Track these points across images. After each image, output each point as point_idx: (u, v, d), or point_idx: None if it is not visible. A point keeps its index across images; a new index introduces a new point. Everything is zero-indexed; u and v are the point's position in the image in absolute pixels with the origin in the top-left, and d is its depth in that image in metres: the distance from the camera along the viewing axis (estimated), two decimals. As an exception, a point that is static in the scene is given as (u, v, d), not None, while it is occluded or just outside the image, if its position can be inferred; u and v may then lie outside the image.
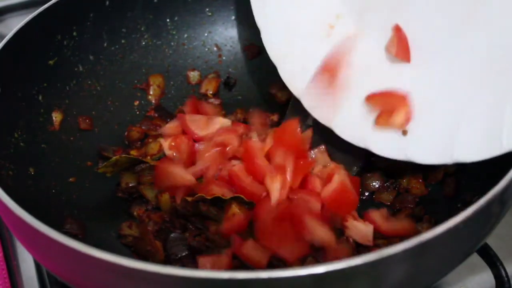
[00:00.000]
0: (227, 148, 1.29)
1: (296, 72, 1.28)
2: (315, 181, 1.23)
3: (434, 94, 1.11)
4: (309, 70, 1.26)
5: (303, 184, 1.23)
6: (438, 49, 1.11)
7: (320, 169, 1.27)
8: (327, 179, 1.23)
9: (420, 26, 1.13)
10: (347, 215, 1.18)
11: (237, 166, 1.24)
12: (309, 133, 1.29)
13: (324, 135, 1.30)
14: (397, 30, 1.13)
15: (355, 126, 1.19)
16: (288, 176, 1.19)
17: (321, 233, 1.13)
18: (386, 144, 1.16)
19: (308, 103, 1.25)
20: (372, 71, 1.18)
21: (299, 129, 1.28)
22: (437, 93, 1.11)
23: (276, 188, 1.18)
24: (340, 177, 1.21)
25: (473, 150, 1.05)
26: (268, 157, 1.24)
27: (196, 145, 1.34)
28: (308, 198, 1.19)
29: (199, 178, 1.27)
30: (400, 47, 1.13)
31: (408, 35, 1.14)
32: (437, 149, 1.10)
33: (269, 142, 1.27)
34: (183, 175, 1.25)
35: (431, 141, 1.11)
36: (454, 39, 1.09)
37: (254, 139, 1.29)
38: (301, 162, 1.24)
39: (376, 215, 1.19)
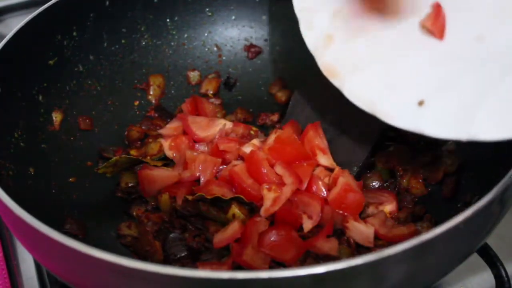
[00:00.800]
0: (227, 155, 1.29)
1: (317, 27, 1.21)
2: (318, 183, 1.23)
3: (460, 69, 1.08)
4: (335, 30, 1.19)
5: (307, 186, 1.23)
6: (474, 30, 1.09)
7: (322, 170, 1.27)
8: (332, 182, 1.23)
9: (460, 7, 1.11)
10: (348, 216, 1.18)
11: (238, 166, 1.24)
12: (311, 134, 1.28)
13: (326, 135, 1.30)
14: (437, 7, 1.11)
15: (367, 90, 1.13)
16: (286, 191, 1.18)
17: (327, 248, 1.13)
18: (397, 112, 1.09)
19: (324, 60, 1.18)
20: (400, 44, 1.15)
21: (297, 135, 1.29)
22: (463, 68, 1.07)
23: (269, 198, 1.18)
24: (345, 179, 1.21)
25: (493, 128, 1.00)
26: (270, 163, 1.24)
27: (196, 145, 1.34)
28: (308, 201, 1.19)
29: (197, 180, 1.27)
30: (436, 22, 1.10)
31: (446, 14, 1.11)
32: (454, 123, 1.04)
33: (269, 142, 1.27)
34: (167, 174, 1.25)
35: (448, 114, 1.05)
36: (493, 23, 1.07)
37: (257, 144, 1.29)
38: (305, 164, 1.24)
39: (375, 220, 1.19)
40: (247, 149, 1.27)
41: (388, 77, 1.13)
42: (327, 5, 1.22)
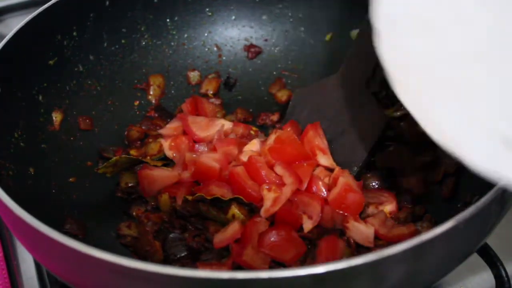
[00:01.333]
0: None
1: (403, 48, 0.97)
2: (318, 183, 1.22)
3: None
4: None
5: (307, 186, 1.23)
6: None
7: (322, 170, 1.27)
8: (332, 182, 1.23)
9: None
10: (349, 216, 1.18)
11: (239, 167, 1.23)
12: (311, 134, 1.28)
13: (326, 135, 1.30)
14: None
15: (450, 125, 0.92)
16: (286, 191, 1.18)
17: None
18: (478, 150, 0.89)
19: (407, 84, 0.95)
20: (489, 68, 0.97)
21: (297, 135, 1.28)
22: None
23: (269, 198, 1.18)
24: (345, 179, 1.20)
25: None
26: (269, 164, 1.24)
27: (196, 145, 1.34)
28: (308, 201, 1.19)
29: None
30: None
31: None
32: None
33: (269, 142, 1.27)
34: (167, 174, 1.25)
35: None
36: None
37: (256, 145, 1.29)
38: (305, 164, 1.23)
39: (375, 220, 1.19)
40: (244, 157, 1.26)
41: (470, 108, 0.93)
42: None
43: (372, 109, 1.28)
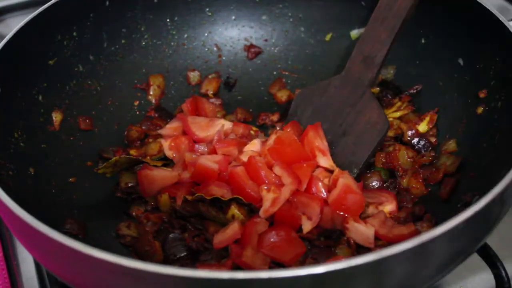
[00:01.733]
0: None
1: None
2: (318, 184, 1.22)
3: None
4: None
5: (307, 187, 1.22)
6: None
7: (321, 171, 1.27)
8: (332, 183, 1.23)
9: None
10: (349, 216, 1.18)
11: (239, 167, 1.23)
12: (311, 135, 1.28)
13: (327, 136, 1.30)
14: None
15: None
16: (285, 192, 1.18)
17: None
18: None
19: None
20: None
21: (298, 136, 1.28)
22: None
23: (268, 199, 1.17)
24: (344, 180, 1.20)
25: None
26: (269, 164, 1.24)
27: (196, 146, 1.34)
28: (307, 202, 1.18)
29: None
30: None
31: None
32: None
33: (270, 143, 1.27)
34: (167, 175, 1.25)
35: None
36: None
37: (256, 145, 1.29)
38: (304, 165, 1.23)
39: (375, 220, 1.18)
40: (245, 158, 1.26)
41: None
42: None
43: (374, 112, 1.28)
